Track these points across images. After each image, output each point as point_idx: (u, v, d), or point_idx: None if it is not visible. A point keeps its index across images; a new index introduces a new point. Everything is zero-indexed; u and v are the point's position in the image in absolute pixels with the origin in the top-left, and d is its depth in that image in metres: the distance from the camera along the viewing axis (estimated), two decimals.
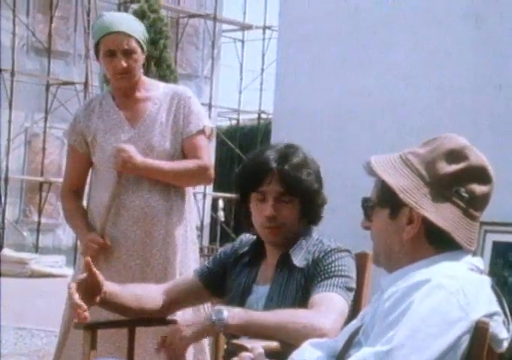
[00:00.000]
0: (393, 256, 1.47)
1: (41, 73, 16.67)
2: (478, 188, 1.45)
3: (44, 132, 16.54)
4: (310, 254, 2.02)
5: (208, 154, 2.77)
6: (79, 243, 2.97)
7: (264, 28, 19.89)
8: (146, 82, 2.81)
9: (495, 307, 1.42)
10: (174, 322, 2.23)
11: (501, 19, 4.05)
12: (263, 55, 20.09)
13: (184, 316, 2.47)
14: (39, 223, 16.41)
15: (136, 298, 2.08)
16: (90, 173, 2.86)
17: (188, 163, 2.71)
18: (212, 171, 2.76)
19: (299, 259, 2.02)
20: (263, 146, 2.17)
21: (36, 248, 15.79)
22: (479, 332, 1.36)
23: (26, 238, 16.12)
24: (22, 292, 9.62)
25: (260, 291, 2.05)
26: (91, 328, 2.10)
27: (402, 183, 1.43)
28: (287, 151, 2.05)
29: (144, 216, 2.69)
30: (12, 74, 15.57)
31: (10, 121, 15.56)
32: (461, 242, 1.43)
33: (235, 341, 1.84)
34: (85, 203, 2.86)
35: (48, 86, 16.59)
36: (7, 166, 15.58)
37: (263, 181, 2.01)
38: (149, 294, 2.11)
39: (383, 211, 1.47)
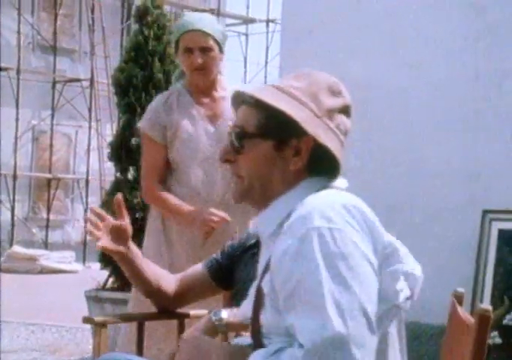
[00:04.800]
0: (271, 189, 1.44)
1: (47, 70, 16.71)
2: (348, 122, 1.47)
3: (51, 129, 16.59)
4: None
5: None
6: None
7: (268, 21, 19.85)
8: (223, 82, 2.86)
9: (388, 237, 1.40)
10: (185, 315, 2.26)
11: (502, 9, 4.06)
12: (267, 49, 20.05)
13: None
14: (48, 220, 16.48)
15: (155, 274, 2.10)
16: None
17: None
18: None
19: None
20: None
21: (45, 244, 15.87)
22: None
23: (35, 234, 16.20)
24: (32, 288, 9.68)
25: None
26: (101, 323, 2.13)
27: (300, 114, 1.41)
28: None
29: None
30: (18, 72, 15.62)
31: (17, 119, 15.62)
32: (342, 173, 1.46)
33: (244, 333, 1.86)
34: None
35: (54, 83, 16.63)
36: (15, 164, 15.65)
37: None
38: (167, 278, 2.13)
39: (265, 142, 1.43)
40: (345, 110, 1.48)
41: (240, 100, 1.48)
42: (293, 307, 1.32)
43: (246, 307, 1.47)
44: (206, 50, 2.76)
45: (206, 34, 2.76)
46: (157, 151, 2.85)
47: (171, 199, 2.80)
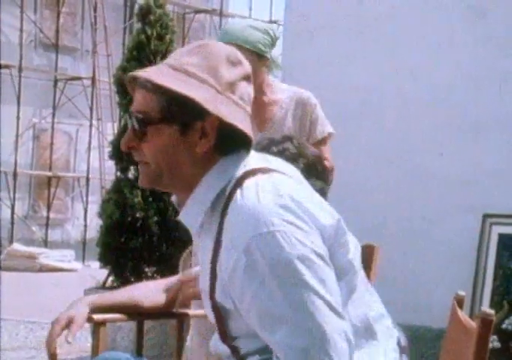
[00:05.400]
0: (181, 174, 1.38)
1: (49, 68, 16.72)
2: (250, 89, 1.43)
3: (52, 127, 16.60)
4: None
5: (330, 158, 2.81)
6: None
7: (270, 22, 19.87)
8: (271, 86, 2.84)
9: (330, 214, 1.36)
10: (185, 315, 2.26)
11: (505, 13, 4.06)
12: None
13: None
14: (48, 218, 16.49)
15: (130, 302, 2.06)
16: None
17: None
18: (333, 173, 2.81)
19: None
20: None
21: (45, 243, 15.88)
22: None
23: (35, 232, 16.21)
24: (32, 286, 9.69)
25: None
26: (100, 322, 2.12)
27: (201, 95, 1.34)
28: (274, 140, 2.11)
29: None
30: (20, 70, 15.63)
31: (18, 117, 15.62)
32: (251, 146, 1.41)
33: None
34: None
35: (56, 82, 16.64)
36: (15, 161, 15.65)
37: None
38: (147, 294, 2.10)
39: (169, 128, 1.36)
40: (246, 78, 1.42)
41: (138, 84, 1.40)
42: (259, 323, 1.30)
43: (210, 316, 1.44)
44: None
45: (240, 47, 2.71)
46: None
47: None
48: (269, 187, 1.34)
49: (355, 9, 4.43)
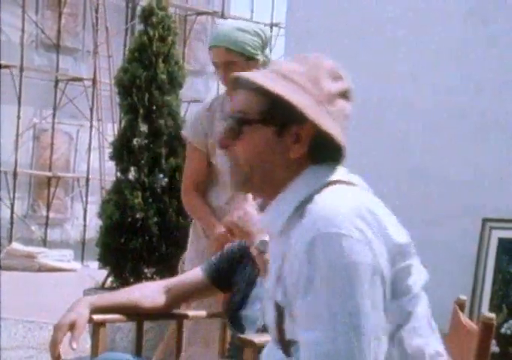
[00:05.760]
0: (273, 176, 1.41)
1: (50, 69, 16.74)
2: (348, 106, 1.45)
3: (53, 127, 16.61)
4: None
5: None
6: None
7: (271, 25, 19.88)
8: None
9: (403, 236, 1.36)
10: (184, 316, 2.26)
11: (505, 15, 4.07)
12: (270, 52, 20.07)
13: None
14: (47, 218, 16.49)
15: (130, 303, 2.07)
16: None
17: None
18: None
19: None
20: None
21: (44, 242, 15.88)
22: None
23: (35, 232, 16.21)
24: (30, 285, 9.69)
25: (265, 284, 2.08)
26: (100, 322, 2.12)
27: (302, 101, 1.38)
28: None
29: None
30: (21, 70, 15.64)
31: (18, 117, 15.64)
32: (344, 159, 1.44)
33: (242, 336, 1.88)
34: None
35: (57, 82, 16.65)
36: (15, 161, 15.66)
37: None
38: (147, 294, 2.11)
39: (266, 128, 1.40)
40: (345, 94, 1.45)
41: (240, 84, 1.44)
42: (300, 319, 1.31)
43: (269, 319, 1.45)
44: (230, 64, 2.77)
45: (229, 50, 2.78)
46: (196, 158, 2.87)
47: (202, 209, 2.83)
48: (350, 196, 1.36)
49: (356, 12, 4.44)
